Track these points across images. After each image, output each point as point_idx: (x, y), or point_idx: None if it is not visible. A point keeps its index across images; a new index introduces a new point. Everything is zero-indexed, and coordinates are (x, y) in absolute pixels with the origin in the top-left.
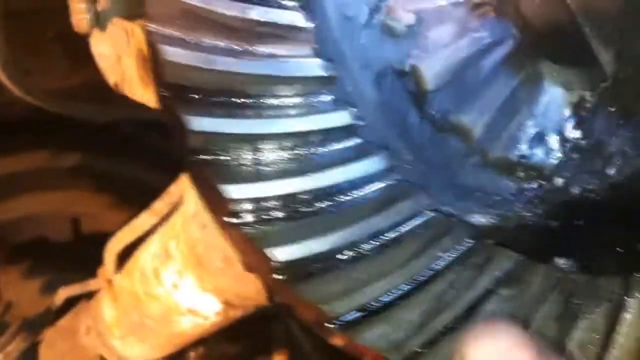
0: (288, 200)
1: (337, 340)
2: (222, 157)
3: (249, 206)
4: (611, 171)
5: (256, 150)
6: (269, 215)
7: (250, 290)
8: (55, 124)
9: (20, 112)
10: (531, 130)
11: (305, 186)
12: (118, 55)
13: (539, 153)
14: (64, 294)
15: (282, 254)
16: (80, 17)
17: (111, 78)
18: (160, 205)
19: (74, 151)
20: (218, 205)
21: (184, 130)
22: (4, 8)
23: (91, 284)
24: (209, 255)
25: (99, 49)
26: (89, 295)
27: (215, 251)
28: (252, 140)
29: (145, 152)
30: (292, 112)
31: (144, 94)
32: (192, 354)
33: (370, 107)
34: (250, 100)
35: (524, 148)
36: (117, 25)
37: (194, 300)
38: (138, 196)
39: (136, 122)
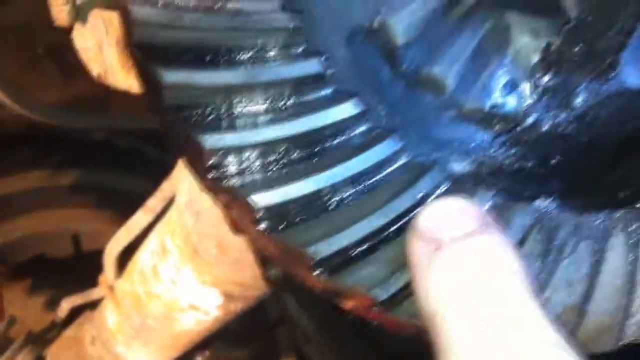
0: (265, 149)
1: (346, 303)
2: (197, 110)
3: (228, 157)
4: (577, 103)
5: (231, 101)
6: (248, 164)
7: (248, 277)
8: (52, 142)
9: (17, 129)
10: (502, 78)
11: (281, 134)
12: (99, 46)
13: (511, 100)
14: (67, 305)
15: (262, 200)
16: (59, 9)
17: (94, 69)
18: (154, 202)
19: (72, 168)
20: (199, 162)
21: (158, 86)
22: None
23: (93, 293)
24: (203, 244)
25: (81, 42)
26: (93, 306)
27: (209, 239)
28: (226, 91)
29: (143, 165)
30: (264, 64)
31: (126, 81)
32: (199, 359)
33: (342, 67)
34: (221, 54)
35: (496, 97)
36: (96, 16)
37: (193, 294)
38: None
39: (133, 136)
